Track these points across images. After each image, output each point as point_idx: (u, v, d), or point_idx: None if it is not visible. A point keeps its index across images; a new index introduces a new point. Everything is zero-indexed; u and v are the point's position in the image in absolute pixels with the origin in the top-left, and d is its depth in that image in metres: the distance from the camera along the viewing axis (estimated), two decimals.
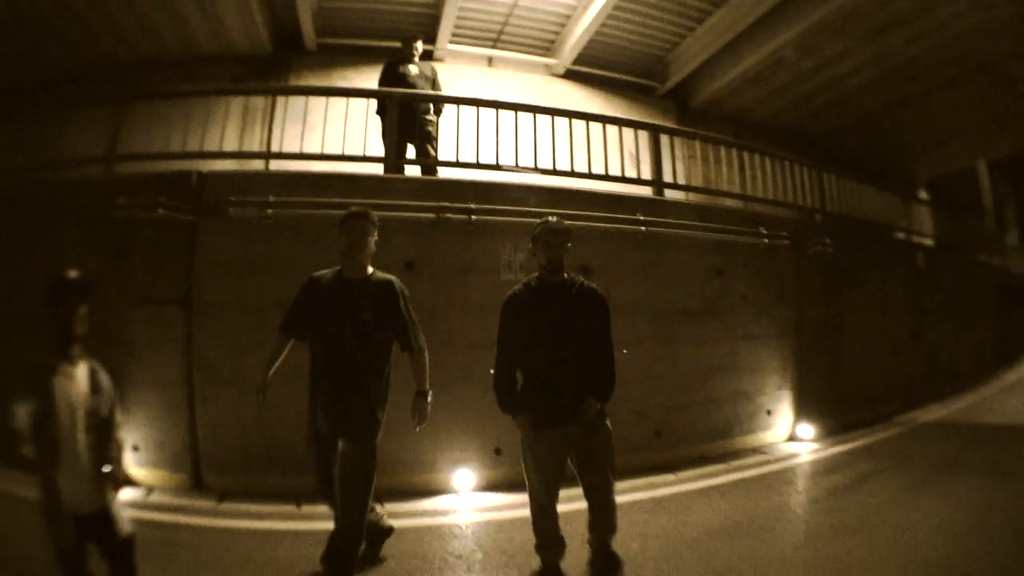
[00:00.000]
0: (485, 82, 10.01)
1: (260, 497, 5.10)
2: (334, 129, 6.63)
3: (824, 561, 4.18)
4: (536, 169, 6.67)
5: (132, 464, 5.30)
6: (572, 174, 6.81)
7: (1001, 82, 11.82)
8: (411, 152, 6.85)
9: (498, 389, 3.71)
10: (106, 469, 2.84)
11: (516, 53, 10.50)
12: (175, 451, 5.41)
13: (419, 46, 7.35)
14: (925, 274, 11.45)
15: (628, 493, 5.28)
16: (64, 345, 2.82)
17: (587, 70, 10.98)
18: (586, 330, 3.61)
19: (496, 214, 5.82)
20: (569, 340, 3.54)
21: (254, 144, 6.91)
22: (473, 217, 5.67)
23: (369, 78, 8.71)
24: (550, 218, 3.80)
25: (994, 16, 9.38)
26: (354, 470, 3.53)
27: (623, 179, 7.22)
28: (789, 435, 7.76)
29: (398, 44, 7.57)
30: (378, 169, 6.37)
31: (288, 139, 7.16)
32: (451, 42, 9.78)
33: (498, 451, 5.74)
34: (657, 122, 8.88)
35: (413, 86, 6.99)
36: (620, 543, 4.00)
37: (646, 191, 7.52)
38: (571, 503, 4.29)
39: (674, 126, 9.01)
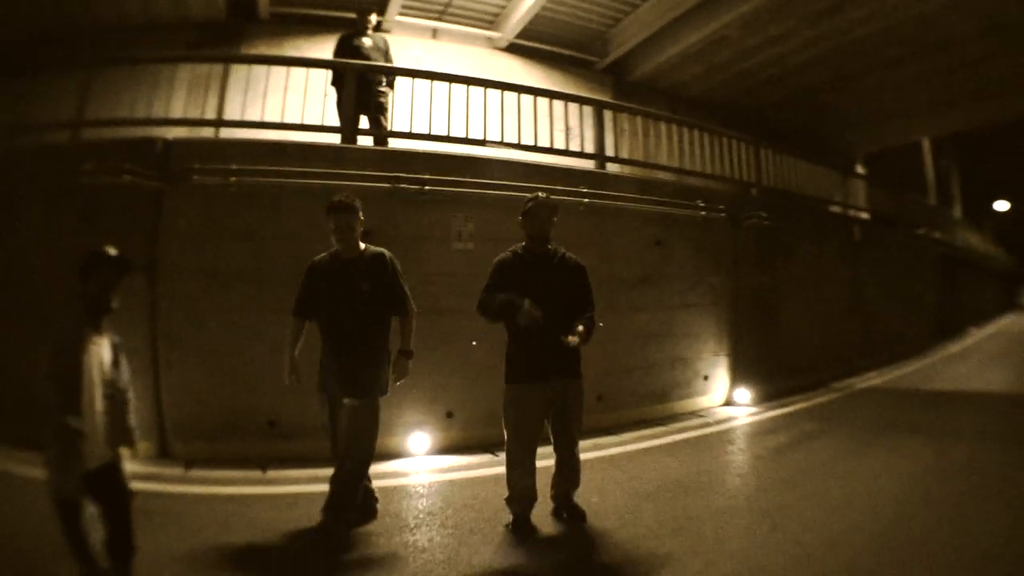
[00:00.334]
0: (429, 54, 10.46)
1: (226, 464, 5.45)
2: (293, 98, 7.04)
3: (779, 509, 4.68)
4: (485, 142, 7.25)
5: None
6: (520, 147, 7.42)
7: (959, 62, 12.64)
8: (364, 123, 7.32)
9: (486, 303, 4.20)
10: (129, 425, 3.27)
11: (461, 26, 10.99)
12: (140, 419, 5.83)
13: (373, 19, 7.83)
14: (862, 247, 12.51)
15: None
16: (96, 316, 3.14)
17: (529, 44, 11.53)
18: (570, 295, 4.24)
19: (448, 185, 6.35)
20: (555, 302, 4.11)
21: (211, 111, 7.23)
22: (426, 188, 6.21)
23: (320, 47, 9.16)
24: (540, 194, 4.43)
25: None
26: (363, 424, 4.20)
27: (567, 152, 7.90)
28: (726, 400, 8.65)
29: (350, 15, 8.03)
30: (334, 138, 6.83)
31: (244, 107, 7.50)
32: (400, 14, 10.17)
33: (450, 414, 6.33)
34: (595, 96, 9.55)
35: (367, 58, 7.45)
36: (581, 497, 4.53)
37: (589, 164, 8.17)
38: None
39: (618, 102, 9.61)
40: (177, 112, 7.43)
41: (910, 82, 13.81)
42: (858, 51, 12.07)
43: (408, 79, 7.36)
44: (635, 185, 7.98)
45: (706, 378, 8.47)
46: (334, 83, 7.25)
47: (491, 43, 11.41)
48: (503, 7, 10.65)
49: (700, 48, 11.46)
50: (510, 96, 7.59)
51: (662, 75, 12.81)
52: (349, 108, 6.93)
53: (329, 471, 4.90)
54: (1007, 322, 26.86)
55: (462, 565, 3.74)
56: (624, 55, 12.20)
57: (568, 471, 4.39)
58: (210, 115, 7.17)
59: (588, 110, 8.52)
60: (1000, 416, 8.14)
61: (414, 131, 7.00)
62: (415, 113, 7.07)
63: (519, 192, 6.67)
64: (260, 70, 7.58)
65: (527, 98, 7.75)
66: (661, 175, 9.06)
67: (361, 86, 7.07)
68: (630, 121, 9.21)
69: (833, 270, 11.47)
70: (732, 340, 8.78)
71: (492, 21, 11.10)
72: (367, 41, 7.60)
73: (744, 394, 8.67)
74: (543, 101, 8.01)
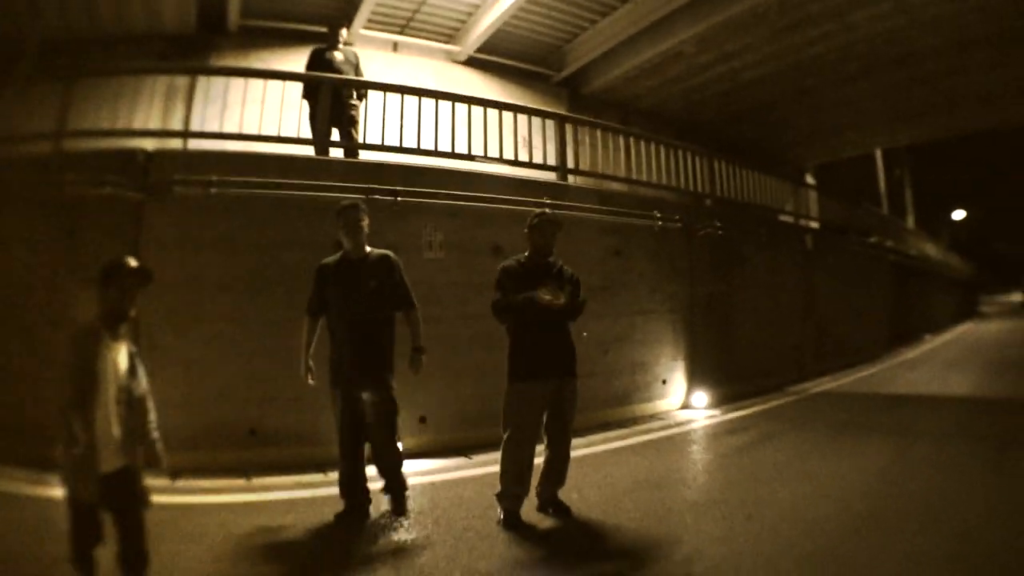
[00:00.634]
0: (390, 67, 10.93)
1: (211, 473, 5.64)
2: (268, 111, 7.35)
3: (751, 502, 5.10)
4: (453, 154, 7.80)
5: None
6: (486, 159, 8.04)
7: (918, 77, 13.58)
8: (335, 135, 7.78)
9: (506, 304, 4.65)
10: (151, 438, 3.41)
11: (422, 40, 11.62)
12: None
13: (344, 33, 8.38)
14: (814, 255, 13.44)
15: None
16: (113, 323, 3.29)
17: (487, 58, 12.21)
18: (569, 303, 4.69)
19: (418, 196, 6.87)
20: (555, 309, 4.63)
21: (190, 123, 7.52)
22: (399, 199, 6.72)
23: (284, 60, 9.69)
24: (545, 210, 5.03)
25: (916, 18, 10.89)
26: (385, 413, 4.74)
27: (531, 164, 8.53)
28: (683, 403, 9.36)
29: (314, 28, 8.62)
30: (307, 150, 7.30)
31: (214, 118, 7.81)
32: (364, 27, 10.68)
33: (423, 419, 6.77)
34: (552, 109, 10.17)
35: (340, 72, 7.95)
36: (561, 494, 4.91)
37: (551, 176, 8.81)
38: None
39: (580, 116, 10.19)
40: (155, 123, 7.82)
41: (866, 96, 14.75)
42: (814, 67, 12.94)
43: (379, 92, 7.84)
44: (595, 196, 8.67)
45: (664, 382, 9.17)
46: (306, 96, 7.70)
47: (450, 56, 12.03)
48: (463, 22, 11.29)
49: (656, 63, 12.22)
50: (474, 109, 8.19)
51: (616, 88, 13.59)
52: (323, 121, 7.41)
53: (310, 477, 5.52)
54: (964, 330, 27.80)
55: (464, 560, 4.04)
56: (579, 68, 12.93)
57: (558, 467, 4.81)
58: (193, 127, 7.45)
59: (549, 123, 9.12)
60: (958, 418, 8.62)
61: (385, 143, 7.50)
62: (386, 126, 7.55)
63: (486, 203, 7.34)
64: (233, 82, 7.96)
65: (492, 112, 8.38)
66: (617, 186, 9.74)
67: (333, 99, 7.55)
68: (590, 134, 9.88)
69: (786, 278, 12.35)
70: (689, 346, 9.50)
71: (452, 35, 11.73)
72: (338, 55, 8.10)
73: (701, 398, 9.37)
74: (507, 115, 8.60)
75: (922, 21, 11.01)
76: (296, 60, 9.03)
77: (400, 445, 4.98)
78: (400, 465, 4.96)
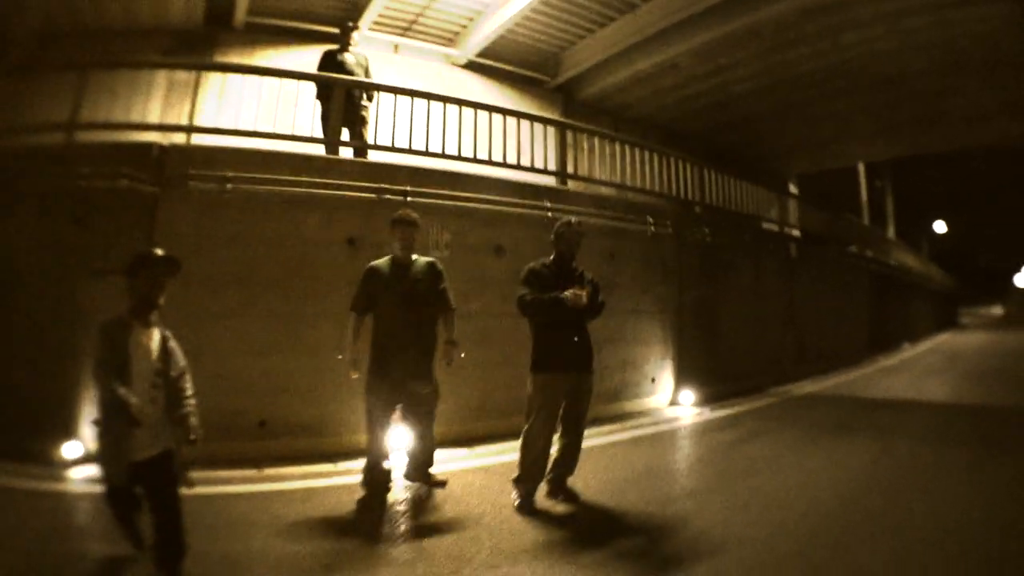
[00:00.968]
0: (390, 67, 11.18)
1: (222, 464, 5.69)
2: (277, 110, 7.61)
3: (748, 490, 5.49)
4: (460, 157, 8.13)
5: (94, 438, 5.86)
6: (491, 163, 8.37)
7: (906, 95, 14.09)
8: (345, 135, 8.04)
9: (535, 303, 4.98)
10: (183, 412, 3.51)
11: (423, 42, 11.98)
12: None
13: (356, 36, 8.70)
14: (797, 263, 13.95)
15: None
16: (143, 311, 3.48)
17: (486, 62, 12.60)
18: (588, 305, 5.06)
19: (427, 197, 7.20)
20: (575, 310, 5.00)
21: (192, 119, 7.71)
22: (408, 199, 7.04)
23: (289, 58, 10.00)
24: (572, 219, 5.45)
25: (908, 41, 11.37)
26: (428, 403, 5.24)
27: (532, 169, 8.90)
28: (671, 401, 9.78)
29: (319, 27, 8.91)
30: (316, 148, 7.55)
31: (226, 116, 8.05)
32: (369, 29, 10.95)
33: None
34: (545, 114, 10.59)
35: (351, 73, 8.29)
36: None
37: (550, 180, 9.20)
38: (510, 454, 5.77)
39: (582, 124, 10.65)
40: (171, 119, 8.04)
41: (853, 111, 15.29)
42: (804, 82, 13.44)
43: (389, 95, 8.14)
44: (591, 201, 9.08)
45: (653, 380, 9.60)
46: (319, 97, 8.02)
47: (449, 59, 12.42)
48: (464, 26, 11.67)
49: (650, 73, 12.69)
50: (480, 114, 8.55)
51: (609, 95, 14.05)
52: (336, 121, 7.72)
53: (321, 467, 5.84)
54: (943, 339, 28.23)
55: (488, 541, 4.30)
56: (575, 75, 13.33)
57: (571, 455, 5.18)
58: (207, 123, 7.72)
59: (546, 129, 9.45)
60: (936, 422, 8.93)
61: (395, 145, 7.84)
62: (396, 128, 7.88)
63: (491, 205, 7.71)
64: (244, 79, 8.19)
65: (496, 116, 8.70)
66: (608, 191, 10.13)
67: (345, 100, 7.87)
68: (588, 140, 10.30)
69: (770, 284, 12.84)
70: (677, 346, 9.95)
71: (453, 39, 12.10)
72: (350, 57, 8.44)
73: (688, 396, 9.81)
74: (510, 120, 8.90)
75: (914, 44, 11.49)
76: (300, 59, 9.42)
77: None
78: (434, 448, 5.44)
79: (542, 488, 5.16)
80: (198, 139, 7.26)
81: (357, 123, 8.19)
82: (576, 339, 5.10)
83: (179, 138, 7.61)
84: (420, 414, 5.22)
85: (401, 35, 11.77)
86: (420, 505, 5.13)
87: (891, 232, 32.84)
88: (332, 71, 8.20)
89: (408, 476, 5.46)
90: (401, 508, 5.07)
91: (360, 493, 5.18)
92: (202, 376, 6.09)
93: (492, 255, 7.69)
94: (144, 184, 6.24)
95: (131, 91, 8.12)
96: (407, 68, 11.68)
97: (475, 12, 11.23)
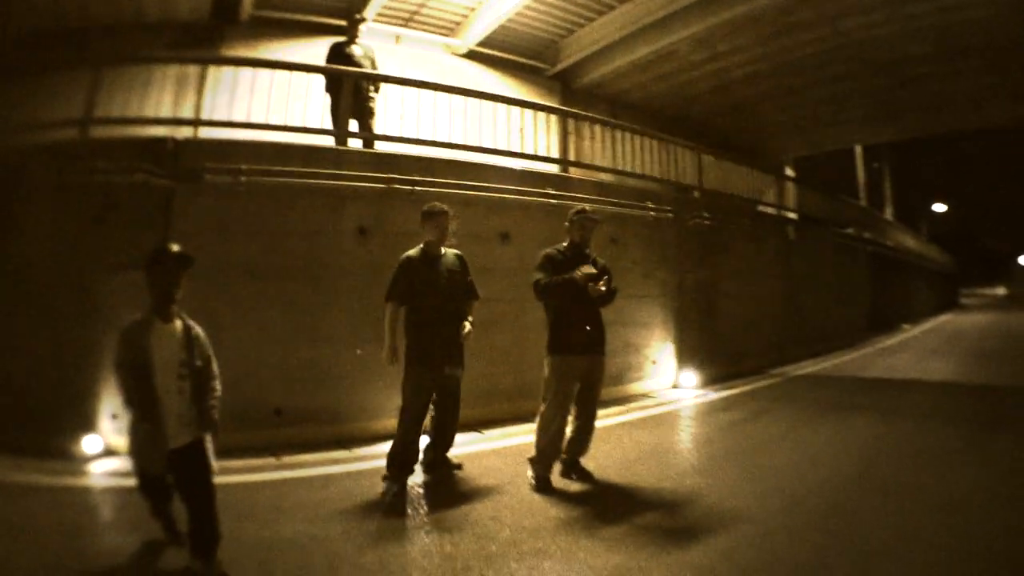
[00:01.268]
0: (392, 59, 11.23)
1: (240, 453, 5.75)
2: (285, 101, 7.67)
3: (756, 467, 5.76)
4: (465, 146, 8.31)
5: (114, 432, 5.77)
6: (496, 151, 8.58)
7: (903, 80, 14.28)
8: (352, 126, 8.22)
9: (549, 285, 5.22)
10: (205, 405, 3.65)
11: (425, 32, 12.19)
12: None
13: (364, 28, 8.90)
14: (796, 245, 14.24)
15: None
16: (162, 307, 3.60)
17: (486, 51, 12.81)
18: (606, 290, 5.34)
19: (435, 186, 7.35)
20: (588, 295, 5.25)
21: (206, 112, 7.77)
22: (416, 188, 7.26)
23: (293, 51, 10.19)
24: (586, 207, 5.75)
25: (909, 27, 11.54)
26: (458, 387, 5.55)
27: (536, 157, 9.16)
28: (673, 383, 10.07)
29: (324, 19, 9.17)
30: (324, 140, 7.73)
31: (237, 108, 8.12)
32: (374, 20, 11.08)
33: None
34: (544, 101, 10.79)
35: (359, 66, 8.47)
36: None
37: (553, 168, 9.43)
38: (519, 437, 6.18)
39: (583, 112, 10.97)
40: (186, 112, 8.05)
41: (852, 95, 15.49)
42: (803, 67, 13.63)
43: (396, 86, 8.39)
44: (594, 187, 9.35)
45: (655, 363, 9.88)
46: (328, 89, 8.23)
47: (449, 49, 12.62)
48: (465, 16, 11.88)
49: (649, 60, 12.87)
50: (475, 102, 8.74)
51: (607, 83, 14.26)
52: (345, 113, 7.92)
53: (336, 454, 6.11)
54: (944, 320, 28.51)
55: (508, 519, 4.52)
56: (573, 63, 13.54)
57: (585, 435, 5.43)
58: (219, 116, 7.86)
59: (549, 118, 9.73)
60: (938, 400, 9.19)
61: (403, 135, 8.03)
62: (402, 118, 8.11)
63: (496, 193, 7.96)
64: (254, 72, 8.17)
65: (500, 105, 8.96)
66: (605, 177, 10.37)
67: (354, 92, 8.09)
68: (589, 127, 10.58)
69: (769, 266, 13.14)
70: (678, 329, 10.24)
71: (453, 29, 12.31)
72: (357, 50, 8.62)
73: (690, 378, 10.11)
74: (513, 108, 9.18)
75: (914, 30, 11.67)
76: (305, 51, 9.61)
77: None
78: (456, 432, 5.77)
79: (556, 468, 5.39)
80: (211, 133, 7.32)
81: (365, 115, 8.36)
82: (590, 323, 5.35)
83: (192, 132, 7.61)
84: (451, 399, 5.52)
85: (403, 26, 11.95)
86: (440, 487, 5.34)
87: (889, 213, 33.08)
88: (340, 63, 8.37)
89: (429, 460, 5.68)
90: (422, 490, 5.28)
91: (379, 476, 5.35)
92: (220, 366, 6.42)
93: (498, 242, 7.95)
94: (160, 178, 6.36)
95: (144, 86, 8.25)
96: (408, 58, 11.87)
97: (477, 1, 11.43)
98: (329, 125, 8.07)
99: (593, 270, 5.19)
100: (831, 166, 24.73)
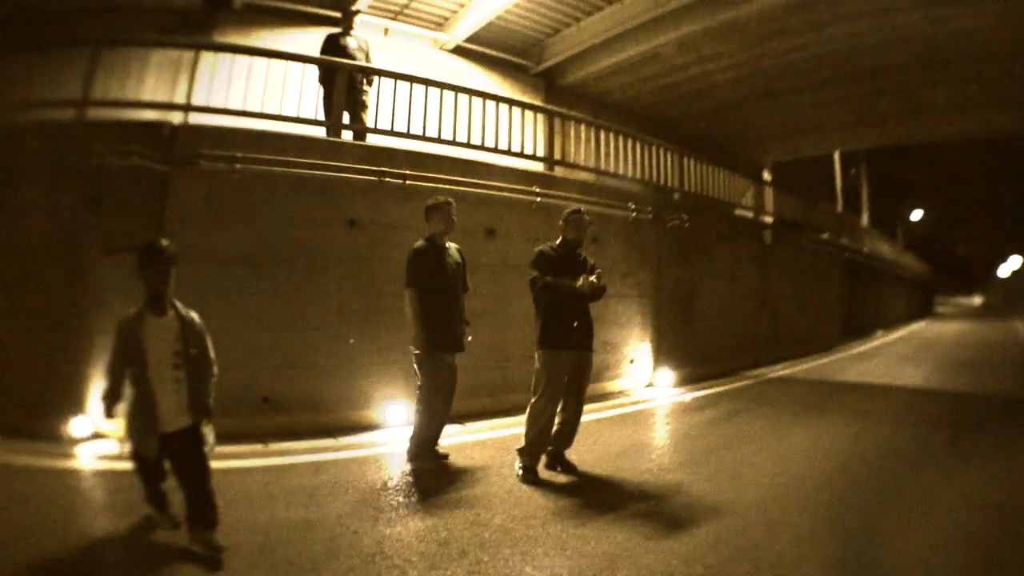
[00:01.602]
0: (380, 52, 11.12)
1: (228, 439, 5.51)
2: (274, 90, 7.72)
3: (735, 463, 6.06)
4: (455, 142, 8.55)
5: (104, 417, 5.93)
6: (483, 148, 8.82)
7: (886, 88, 14.67)
8: (345, 118, 8.32)
9: (551, 285, 5.49)
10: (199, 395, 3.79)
11: (413, 26, 12.35)
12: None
13: (358, 20, 9.10)
14: (772, 249, 14.64)
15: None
16: (155, 300, 3.75)
17: (472, 47, 13.00)
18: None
19: (425, 180, 7.56)
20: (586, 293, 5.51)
21: (200, 98, 7.87)
22: (407, 182, 7.47)
23: (285, 39, 10.32)
24: (580, 207, 6.01)
25: (893, 36, 11.85)
26: (455, 376, 5.89)
27: (523, 155, 9.41)
28: (649, 382, 10.41)
29: (315, 9, 9.37)
30: (317, 131, 7.85)
31: (235, 95, 7.94)
32: (364, 12, 11.10)
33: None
34: (528, 99, 11.00)
35: (353, 58, 8.65)
36: None
37: (539, 166, 9.70)
38: (501, 430, 6.42)
39: (571, 112, 11.27)
40: (179, 98, 8.11)
41: (834, 101, 15.84)
42: (786, 72, 13.99)
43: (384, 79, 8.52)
44: (577, 186, 9.61)
45: (632, 361, 10.21)
46: (322, 81, 8.40)
47: (437, 44, 12.79)
48: (455, 11, 12.07)
49: (633, 61, 13.12)
50: (474, 100, 9.03)
51: (590, 82, 14.52)
52: (339, 105, 8.05)
53: (324, 442, 6.30)
54: (918, 327, 29.29)
55: (499, 508, 4.71)
56: (558, 62, 13.79)
57: (571, 429, 5.69)
58: (216, 103, 7.75)
59: (536, 116, 9.99)
60: (910, 405, 9.66)
61: (394, 129, 8.22)
62: (395, 112, 8.27)
63: (483, 189, 8.19)
64: (246, 60, 8.26)
65: (489, 102, 9.20)
66: (588, 176, 10.62)
67: (348, 84, 8.21)
68: (575, 127, 10.86)
69: (745, 269, 13.52)
70: (655, 328, 10.58)
71: (442, 24, 12.49)
72: (352, 42, 8.81)
73: (666, 377, 10.46)
74: (502, 106, 9.38)
75: (899, 38, 12.02)
76: (296, 40, 9.78)
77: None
78: (446, 423, 6.12)
79: (541, 460, 5.63)
80: (205, 119, 7.36)
81: (358, 107, 8.53)
82: (580, 320, 5.62)
83: (182, 117, 7.55)
84: (453, 388, 5.85)
85: (393, 19, 12.09)
86: (430, 477, 5.50)
87: (865, 220, 33.65)
88: (335, 55, 8.53)
89: (413, 449, 5.91)
90: (412, 480, 5.45)
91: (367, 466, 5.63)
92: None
93: (484, 237, 8.18)
94: (155, 162, 6.43)
95: (140, 69, 8.34)
96: (396, 52, 11.97)
97: None
98: (322, 116, 8.21)
99: (595, 280, 5.47)
100: (808, 170, 25.05)
